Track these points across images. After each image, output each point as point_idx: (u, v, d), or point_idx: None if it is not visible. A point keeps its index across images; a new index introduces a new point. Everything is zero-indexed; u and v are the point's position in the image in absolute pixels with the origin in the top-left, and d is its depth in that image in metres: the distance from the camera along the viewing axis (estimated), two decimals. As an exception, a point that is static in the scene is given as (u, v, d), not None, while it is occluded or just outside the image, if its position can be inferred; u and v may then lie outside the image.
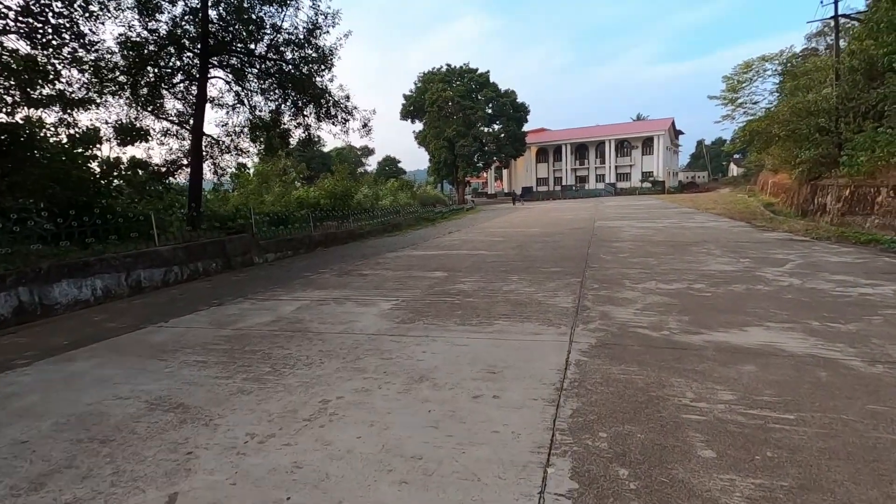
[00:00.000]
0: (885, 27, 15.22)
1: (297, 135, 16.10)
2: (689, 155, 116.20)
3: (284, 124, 15.98)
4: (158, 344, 5.12)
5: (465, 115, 54.56)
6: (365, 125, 15.51)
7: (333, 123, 15.54)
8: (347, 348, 4.60)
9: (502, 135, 59.04)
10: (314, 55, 14.13)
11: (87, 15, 10.56)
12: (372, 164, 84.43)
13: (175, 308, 6.96)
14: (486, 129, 58.26)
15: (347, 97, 15.79)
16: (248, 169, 23.26)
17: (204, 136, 15.70)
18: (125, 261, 8.12)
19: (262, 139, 16.28)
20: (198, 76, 13.49)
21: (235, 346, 4.89)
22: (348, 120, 15.41)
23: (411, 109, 60.17)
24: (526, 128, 61.91)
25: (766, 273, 7.35)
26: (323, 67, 14.58)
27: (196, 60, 13.56)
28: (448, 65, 60.30)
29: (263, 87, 15.03)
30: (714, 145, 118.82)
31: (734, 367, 3.67)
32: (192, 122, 13.83)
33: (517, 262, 9.63)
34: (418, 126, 61.22)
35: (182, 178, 17.24)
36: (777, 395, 3.16)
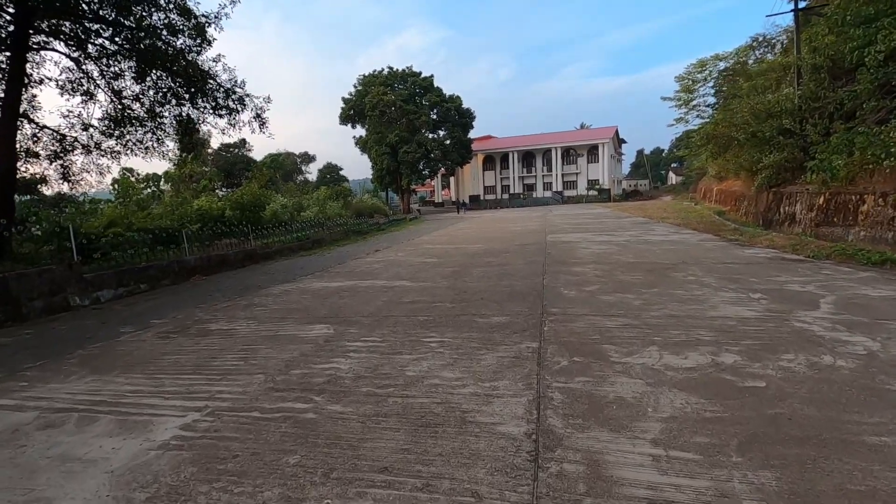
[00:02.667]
0: (850, 20, 13.84)
1: (171, 131, 12.53)
2: (630, 164, 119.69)
3: (160, 117, 12.41)
4: None
5: (409, 119, 51.76)
6: (258, 116, 12.19)
7: (219, 114, 12.13)
8: None
9: (448, 141, 56.70)
10: (184, 23, 10.73)
11: None
12: (313, 171, 79.66)
13: None
14: (430, 136, 55.70)
15: (242, 83, 12.46)
16: (132, 175, 19.15)
17: (43, 129, 11.92)
18: None
19: (133, 135, 12.63)
20: (11, 43, 9.77)
21: None
22: (237, 110, 12.05)
23: (351, 113, 56.69)
24: (472, 135, 59.96)
25: (809, 323, 4.86)
26: (200, 42, 11.20)
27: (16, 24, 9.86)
28: (390, 67, 57.44)
29: (121, 65, 11.44)
30: (653, 154, 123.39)
31: None
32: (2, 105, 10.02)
33: (446, 302, 6.74)
34: (360, 131, 57.88)
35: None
36: None
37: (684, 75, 22.91)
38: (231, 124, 12.06)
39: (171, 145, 13.93)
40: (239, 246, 14.19)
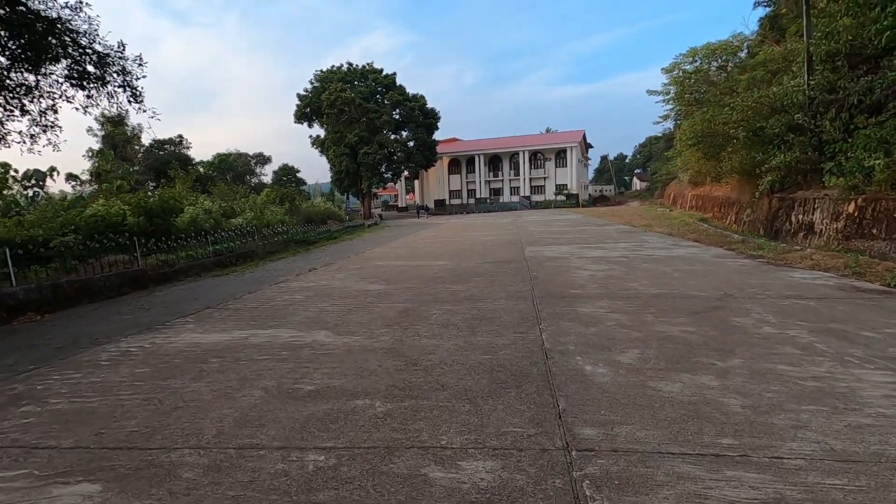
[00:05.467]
0: (875, -2, 11.74)
1: (13, 106, 8.91)
2: (594, 170, 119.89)
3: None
4: None
5: (369, 119, 48.30)
6: (127, 85, 8.73)
7: (80, 84, 8.63)
8: None
9: (411, 143, 53.61)
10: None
11: None
12: (268, 173, 74.62)
13: None
14: (392, 136, 52.41)
15: (121, 46, 8.97)
16: (8, 170, 15.09)
17: None
18: None
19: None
20: None
21: None
22: (105, 79, 8.57)
23: (307, 111, 52.71)
24: (437, 136, 57.07)
25: None
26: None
27: None
28: (349, 63, 53.96)
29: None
30: (616, 160, 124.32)
31: None
32: None
33: (376, 398, 3.65)
34: (317, 130, 53.98)
35: None
36: None
37: (673, 64, 20.65)
38: (89, 97, 8.55)
39: (23, 127, 10.28)
40: (123, 265, 10.59)
